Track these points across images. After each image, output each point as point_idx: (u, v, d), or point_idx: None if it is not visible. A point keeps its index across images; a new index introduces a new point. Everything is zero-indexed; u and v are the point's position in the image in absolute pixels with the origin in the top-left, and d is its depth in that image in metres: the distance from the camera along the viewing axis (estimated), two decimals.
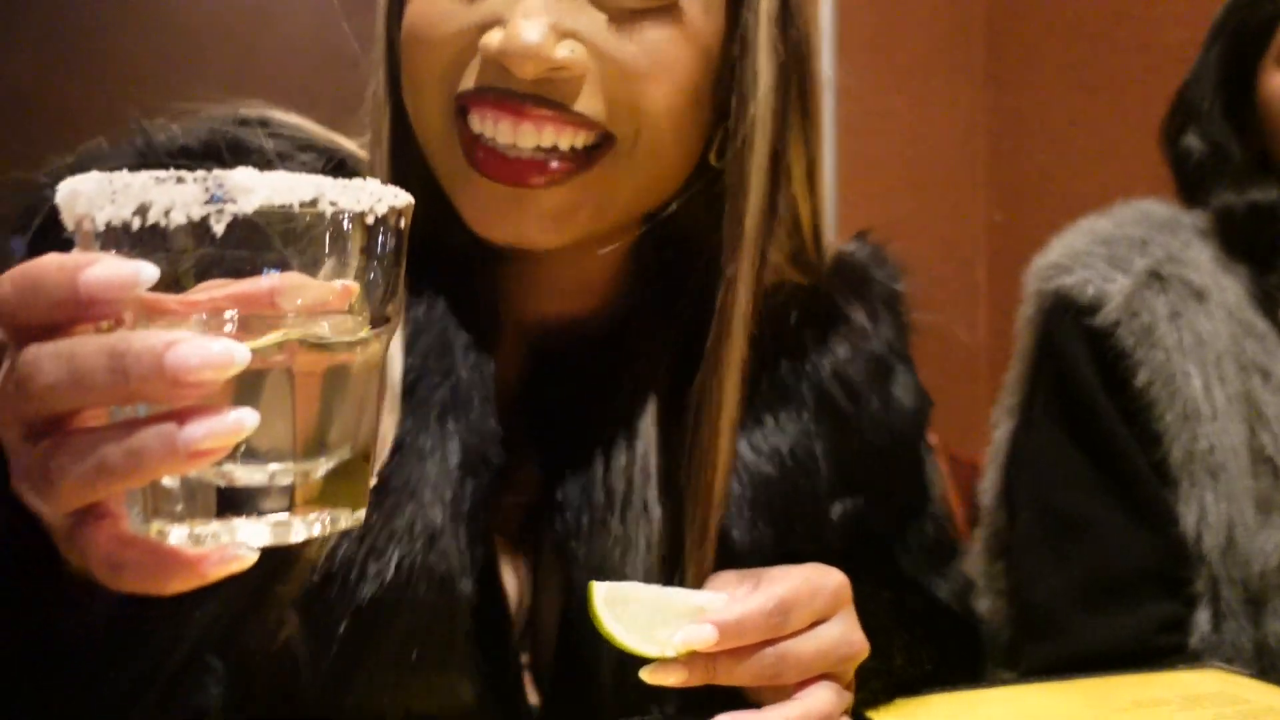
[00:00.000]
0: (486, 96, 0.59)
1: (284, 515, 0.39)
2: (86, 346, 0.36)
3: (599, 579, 0.60)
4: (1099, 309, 1.02)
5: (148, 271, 0.36)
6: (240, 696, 0.60)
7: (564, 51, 0.58)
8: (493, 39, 0.58)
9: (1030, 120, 2.20)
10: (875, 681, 0.67)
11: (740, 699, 0.61)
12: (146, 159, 0.62)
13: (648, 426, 0.68)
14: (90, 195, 0.37)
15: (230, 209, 0.36)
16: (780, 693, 0.60)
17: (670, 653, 0.58)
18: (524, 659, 0.70)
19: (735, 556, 0.67)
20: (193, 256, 0.37)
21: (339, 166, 0.67)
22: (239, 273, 0.37)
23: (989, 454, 1.18)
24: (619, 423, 0.68)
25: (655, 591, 0.60)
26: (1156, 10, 1.94)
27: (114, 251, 0.37)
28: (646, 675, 0.57)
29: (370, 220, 0.39)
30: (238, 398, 0.37)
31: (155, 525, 0.38)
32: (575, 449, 0.68)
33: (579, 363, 0.70)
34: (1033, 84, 2.20)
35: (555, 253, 0.63)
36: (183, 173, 0.37)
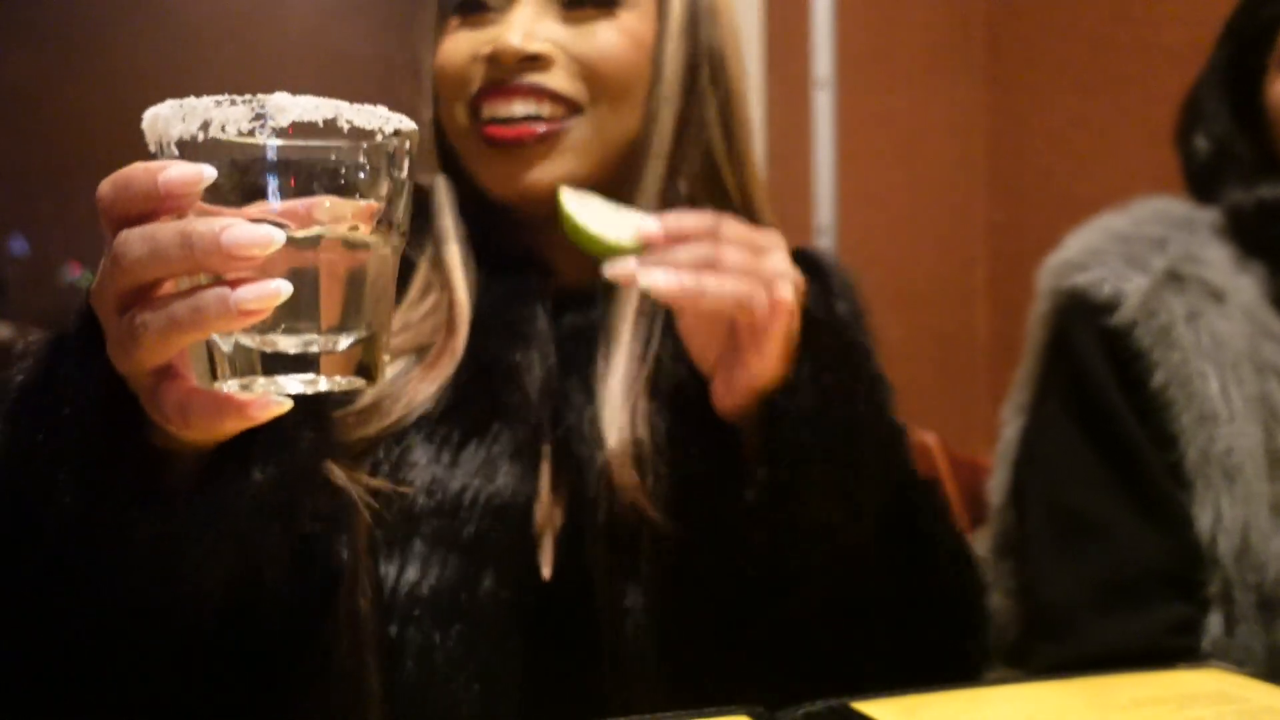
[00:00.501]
0: (488, 89, 0.84)
1: (313, 375, 0.51)
2: (164, 228, 0.48)
3: (591, 448, 0.80)
4: (1115, 308, 1.01)
5: (209, 171, 0.47)
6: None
7: (537, 45, 0.82)
8: (486, 47, 0.84)
9: (1030, 120, 2.20)
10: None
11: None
12: None
13: (622, 344, 0.85)
14: (167, 116, 0.49)
15: (270, 123, 0.48)
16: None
17: (626, 242, 0.70)
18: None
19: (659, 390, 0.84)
20: (245, 163, 0.48)
21: None
22: (279, 186, 0.49)
23: (998, 452, 1.17)
24: (606, 346, 0.85)
25: (612, 204, 0.74)
26: (1156, 10, 1.94)
27: (187, 159, 0.48)
28: (606, 270, 0.70)
29: (379, 138, 0.51)
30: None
31: (216, 382, 0.51)
32: (581, 361, 0.85)
33: (591, 304, 0.87)
34: (1033, 84, 2.19)
35: None
36: (234, 96, 0.48)
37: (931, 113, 2.26)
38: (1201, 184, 1.12)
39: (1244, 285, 1.05)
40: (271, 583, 0.67)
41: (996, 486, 1.15)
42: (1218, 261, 1.05)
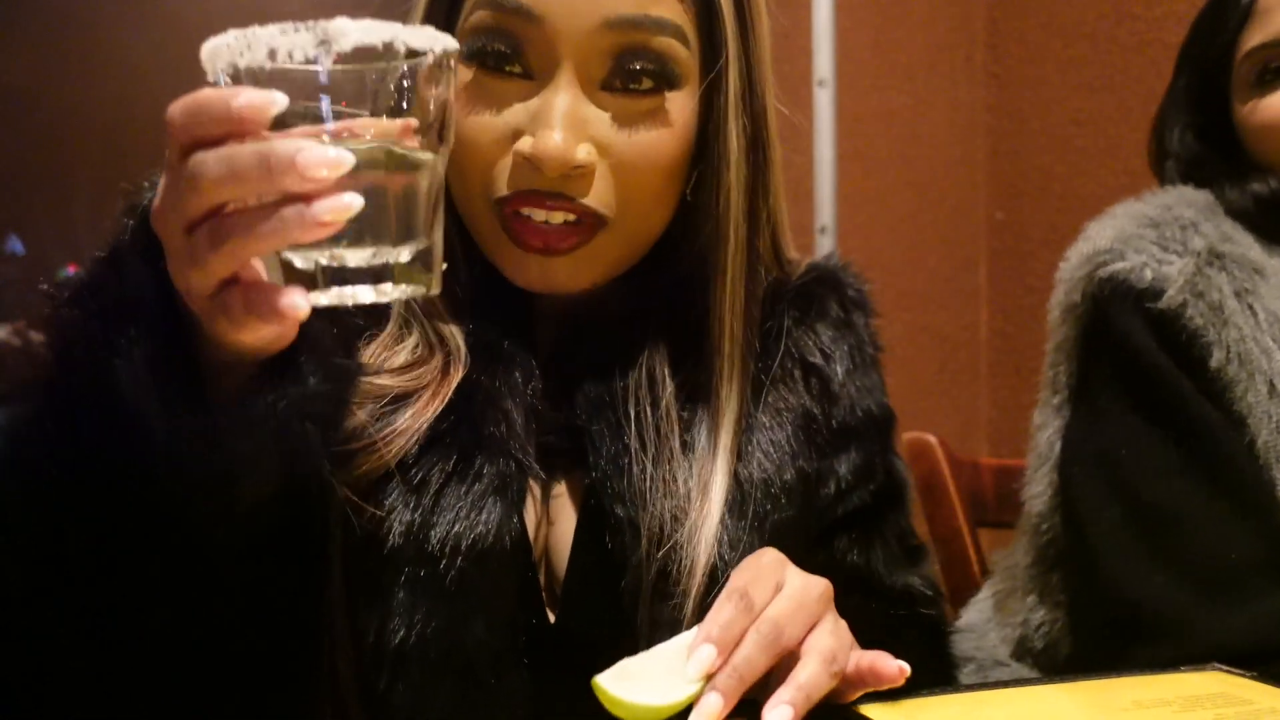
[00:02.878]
0: (520, 197, 0.76)
1: (384, 285, 0.54)
2: (242, 150, 0.50)
3: (633, 514, 0.76)
4: (1160, 292, 0.98)
5: (281, 98, 0.50)
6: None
7: (582, 154, 0.74)
8: (524, 144, 0.74)
9: (1030, 120, 2.20)
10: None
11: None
12: None
13: (666, 387, 0.82)
14: (231, 45, 0.51)
15: (334, 47, 0.50)
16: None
17: (695, 688, 0.62)
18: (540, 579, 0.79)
19: (748, 495, 0.81)
20: (309, 89, 0.51)
21: None
22: (339, 112, 0.52)
23: (1032, 459, 1.11)
24: (640, 383, 0.82)
25: (645, 655, 0.65)
26: (1156, 10, 1.94)
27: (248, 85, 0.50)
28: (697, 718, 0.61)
29: (430, 60, 0.54)
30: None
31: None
32: (601, 403, 0.81)
33: (602, 330, 0.84)
34: (1033, 84, 2.19)
35: None
36: (295, 24, 0.50)
37: (931, 113, 2.26)
38: (1194, 180, 1.11)
39: (1277, 266, 1.03)
40: (309, 498, 0.68)
41: (1036, 494, 1.09)
42: (1250, 242, 1.03)
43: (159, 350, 0.58)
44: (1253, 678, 0.75)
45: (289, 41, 0.50)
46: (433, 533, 0.73)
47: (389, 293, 0.54)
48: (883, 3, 2.23)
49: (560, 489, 0.81)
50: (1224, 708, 0.68)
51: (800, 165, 2.09)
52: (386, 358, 0.78)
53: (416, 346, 0.79)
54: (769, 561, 0.69)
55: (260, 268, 0.56)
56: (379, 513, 0.73)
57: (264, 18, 0.53)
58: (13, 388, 0.67)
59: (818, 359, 0.88)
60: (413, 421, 0.75)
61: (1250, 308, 0.98)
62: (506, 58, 0.75)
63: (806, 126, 2.05)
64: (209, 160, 0.51)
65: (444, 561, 0.72)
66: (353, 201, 0.50)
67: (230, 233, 0.51)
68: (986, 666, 1.10)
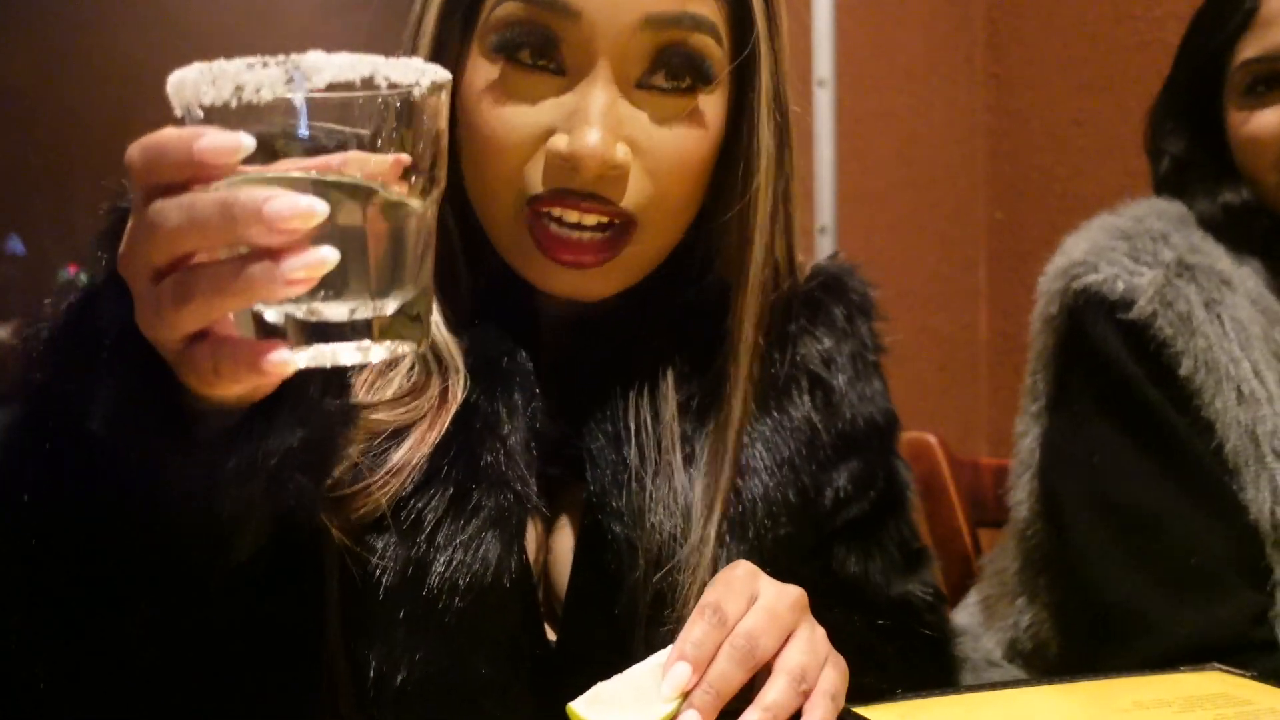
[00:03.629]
0: (554, 197, 0.73)
1: (365, 342, 0.49)
2: (203, 198, 0.46)
3: (631, 532, 0.75)
4: (1131, 303, 1.02)
5: (247, 140, 0.45)
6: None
7: (620, 154, 0.72)
8: (560, 142, 0.71)
9: (1030, 120, 2.20)
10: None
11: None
12: None
13: (669, 400, 0.80)
14: (195, 81, 0.46)
15: (306, 85, 0.46)
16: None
17: (670, 708, 0.62)
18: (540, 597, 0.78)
19: (749, 514, 0.80)
20: (279, 127, 0.46)
21: None
22: (315, 149, 0.47)
23: (1015, 465, 1.15)
24: (642, 395, 0.80)
25: (620, 677, 0.64)
26: (1156, 10, 1.94)
27: (218, 126, 0.46)
28: None
29: (417, 94, 0.49)
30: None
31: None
32: (602, 415, 0.79)
33: (609, 339, 0.82)
34: (1033, 84, 2.19)
35: None
36: (265, 58, 0.46)
37: (931, 112, 2.26)
38: (1169, 192, 1.15)
39: (1246, 275, 1.06)
40: (296, 543, 0.65)
41: (1020, 500, 1.13)
42: (1219, 253, 1.06)
43: (138, 402, 0.55)
44: (1253, 678, 0.75)
45: (257, 77, 0.46)
46: (430, 571, 0.71)
47: (373, 351, 0.49)
48: (883, 3, 2.23)
49: (561, 507, 0.80)
50: (1224, 708, 0.68)
51: (800, 165, 2.09)
52: (380, 385, 0.75)
53: (412, 369, 0.76)
54: (741, 574, 0.68)
55: (230, 316, 0.52)
56: (373, 558, 0.71)
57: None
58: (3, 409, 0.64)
59: (820, 368, 0.86)
60: (409, 456, 0.72)
61: (1219, 317, 1.01)
62: (539, 53, 0.73)
63: (807, 126, 2.05)
64: (169, 209, 0.47)
65: (442, 601, 0.71)
66: (328, 256, 0.45)
67: (193, 290, 0.47)
68: (980, 668, 1.12)
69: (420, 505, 0.72)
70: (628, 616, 0.75)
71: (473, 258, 0.80)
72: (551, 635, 0.77)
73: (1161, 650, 0.92)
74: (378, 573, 0.71)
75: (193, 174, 0.47)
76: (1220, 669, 0.78)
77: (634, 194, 0.74)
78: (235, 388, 0.51)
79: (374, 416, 0.73)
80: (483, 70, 0.74)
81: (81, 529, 0.59)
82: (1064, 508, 1.06)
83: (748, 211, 0.79)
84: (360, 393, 0.74)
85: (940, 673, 0.89)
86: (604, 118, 0.71)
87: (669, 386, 0.81)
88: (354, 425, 0.69)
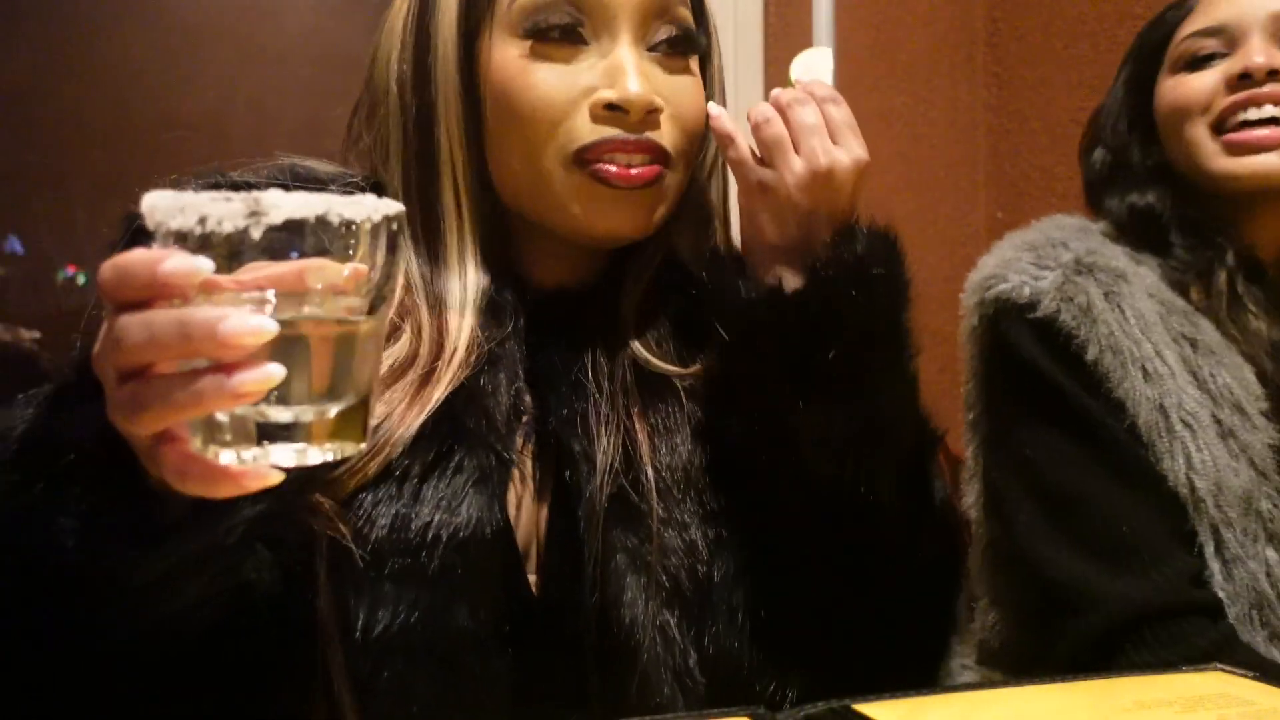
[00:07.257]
0: (606, 142, 0.82)
1: (304, 445, 0.52)
2: (162, 317, 0.50)
3: (587, 447, 0.81)
4: (1038, 303, 1.10)
5: (206, 265, 0.49)
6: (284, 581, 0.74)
7: (657, 98, 0.83)
8: (606, 94, 0.82)
9: (1031, 120, 2.20)
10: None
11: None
12: (219, 186, 0.80)
13: (631, 356, 0.88)
14: (164, 207, 0.51)
15: (264, 220, 0.50)
16: None
17: None
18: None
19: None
20: (239, 254, 0.50)
21: (375, 187, 0.86)
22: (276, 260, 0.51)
23: (965, 473, 1.22)
24: (609, 358, 0.87)
25: None
26: (1157, 10, 1.94)
27: (182, 248, 0.50)
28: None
29: (369, 226, 0.52)
30: (272, 356, 0.50)
31: (211, 448, 0.52)
32: (569, 370, 0.86)
33: (569, 315, 0.89)
34: (1033, 84, 2.19)
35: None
36: (229, 193, 0.50)
37: (931, 113, 2.26)
38: (1097, 195, 1.24)
39: (1143, 272, 1.14)
40: (261, 605, 0.71)
41: (974, 503, 1.20)
42: (1116, 254, 1.15)
43: (105, 495, 0.60)
44: (1254, 678, 0.75)
45: (219, 210, 0.50)
46: (413, 524, 0.76)
47: (310, 454, 0.53)
48: (883, 3, 2.23)
49: (542, 474, 0.84)
50: (1226, 708, 0.68)
51: None
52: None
53: (408, 341, 0.82)
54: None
55: None
56: (360, 513, 0.76)
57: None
58: None
59: None
60: (399, 429, 0.78)
61: (1118, 307, 1.09)
62: (568, 30, 0.83)
63: None
64: (132, 324, 0.51)
65: (425, 552, 0.75)
66: (274, 373, 0.49)
67: (149, 399, 0.51)
68: (955, 673, 1.15)
69: (407, 462, 0.77)
70: (588, 520, 0.80)
71: (477, 251, 0.86)
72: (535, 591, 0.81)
73: (1106, 621, 1.00)
74: (365, 528, 0.75)
75: (155, 294, 0.51)
76: (1222, 669, 0.78)
77: (665, 134, 0.84)
78: (198, 491, 0.54)
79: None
80: (513, 47, 0.83)
81: (46, 624, 0.63)
82: (1005, 501, 1.13)
83: (715, 186, 0.92)
84: None
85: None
86: (638, 69, 0.83)
87: (634, 349, 0.88)
88: (312, 493, 0.74)
